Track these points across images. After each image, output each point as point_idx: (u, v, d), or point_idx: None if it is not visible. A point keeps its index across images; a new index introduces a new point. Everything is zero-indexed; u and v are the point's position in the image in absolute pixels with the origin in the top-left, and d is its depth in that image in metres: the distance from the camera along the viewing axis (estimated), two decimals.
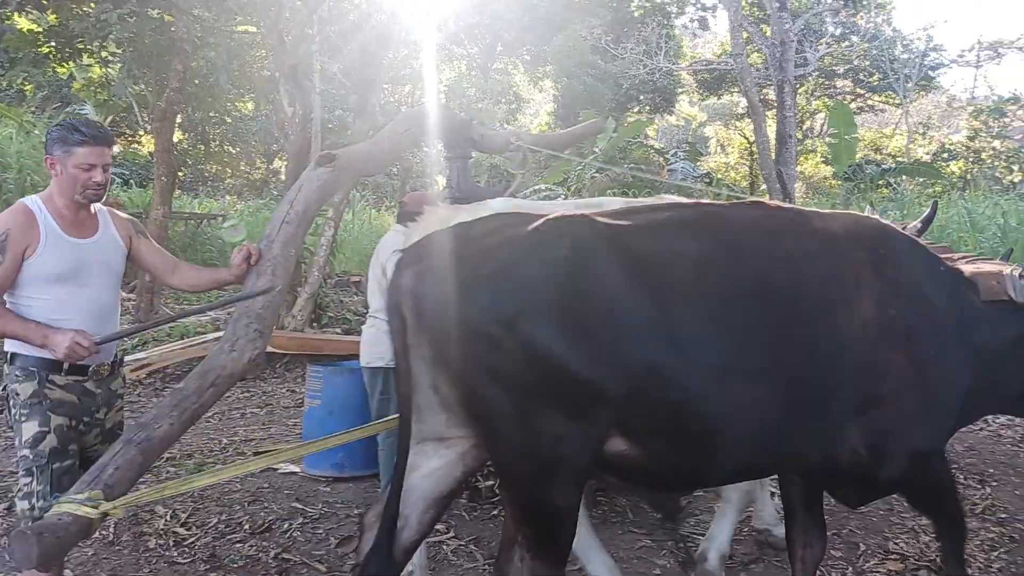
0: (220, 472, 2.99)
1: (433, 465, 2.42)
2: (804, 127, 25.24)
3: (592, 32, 20.63)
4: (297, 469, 5.18)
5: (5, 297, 2.78)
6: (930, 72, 24.25)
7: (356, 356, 4.91)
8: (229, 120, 17.18)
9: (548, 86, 25.39)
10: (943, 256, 2.78)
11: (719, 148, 27.89)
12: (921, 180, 17.46)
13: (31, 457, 2.70)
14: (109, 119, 16.17)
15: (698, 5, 26.12)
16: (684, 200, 2.74)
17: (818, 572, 3.38)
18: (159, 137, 10.53)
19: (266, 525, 4.25)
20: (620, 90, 22.39)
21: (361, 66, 10.14)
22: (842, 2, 18.61)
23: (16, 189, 11.59)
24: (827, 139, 19.78)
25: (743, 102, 21.47)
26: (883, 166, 17.71)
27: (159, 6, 8.84)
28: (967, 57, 25.09)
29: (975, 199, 12.94)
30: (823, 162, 21.77)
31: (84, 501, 2.32)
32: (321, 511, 4.50)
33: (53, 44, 9.68)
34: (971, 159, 22.09)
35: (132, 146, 21.22)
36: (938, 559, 3.60)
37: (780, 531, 3.80)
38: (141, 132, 19.35)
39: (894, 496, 4.40)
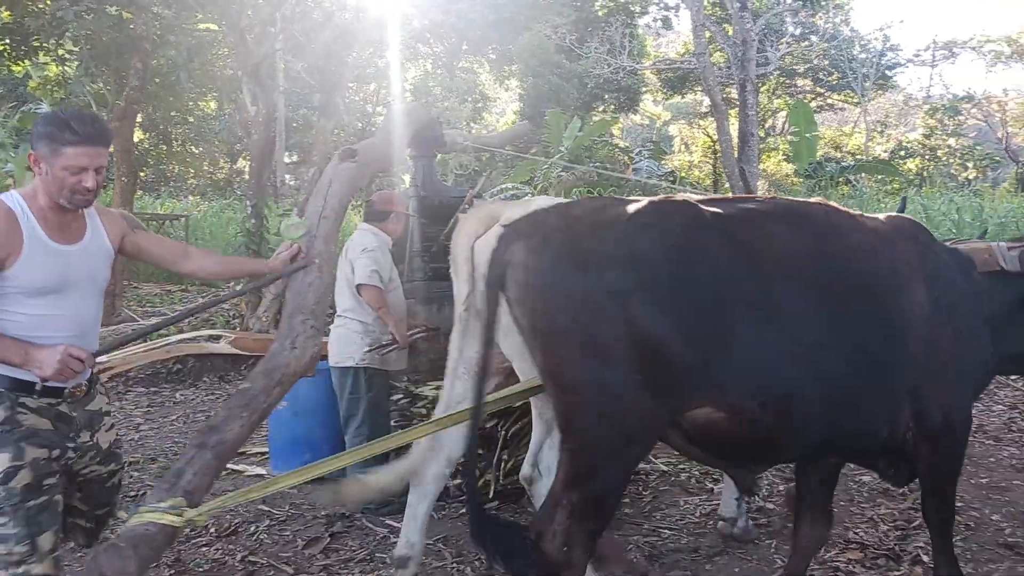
0: (305, 471, 2.76)
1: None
2: (766, 125, 25.61)
3: (557, 31, 20.72)
4: (264, 471, 5.14)
5: None
6: (887, 71, 24.73)
7: (323, 356, 4.89)
8: (191, 119, 16.96)
9: (514, 85, 25.43)
10: None
11: (683, 147, 28.17)
12: (879, 177, 17.82)
13: (2, 495, 2.35)
14: None
15: (661, 5, 26.33)
16: (759, 195, 2.85)
17: (782, 562, 3.46)
18: (119, 137, 10.34)
19: (232, 528, 4.22)
20: (585, 89, 22.49)
21: (325, 65, 10.09)
22: (801, 2, 18.89)
23: None
24: (788, 137, 20.11)
25: (706, 101, 21.71)
26: (843, 163, 18.02)
27: (117, 3, 8.70)
28: (923, 57, 25.68)
29: (931, 195, 13.25)
30: (785, 160, 22.11)
31: (168, 509, 2.21)
32: (288, 513, 4.48)
33: (7, 42, 9.49)
34: (927, 156, 22.60)
35: None
36: (896, 547, 3.70)
37: (743, 523, 3.88)
38: None
39: (853, 486, 4.50)
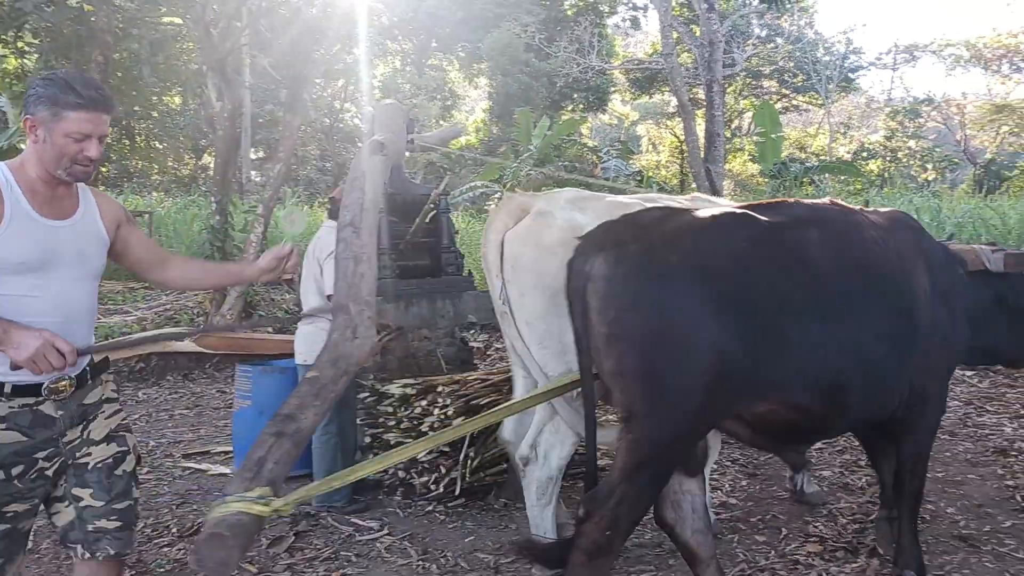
0: (387, 458, 2.86)
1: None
2: (732, 126, 25.92)
3: (526, 30, 20.77)
4: (228, 470, 5.09)
5: None
6: (850, 74, 25.17)
7: (287, 355, 4.86)
8: (155, 114, 16.70)
9: (483, 83, 25.44)
10: None
11: (651, 146, 28.39)
12: (843, 178, 18.10)
13: None
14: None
15: (630, 5, 26.57)
16: (789, 199, 3.05)
17: (744, 555, 3.52)
18: None
19: (194, 528, 4.17)
20: (554, 88, 22.58)
21: (292, 60, 9.99)
22: (767, 5, 19.14)
23: None
24: (754, 138, 20.35)
25: (674, 101, 21.89)
26: (807, 164, 18.27)
27: None
28: (884, 60, 26.18)
29: (892, 196, 13.51)
30: (750, 160, 22.38)
31: (256, 499, 2.14)
32: None
33: None
34: (888, 158, 23.04)
35: None
36: (854, 540, 3.78)
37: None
38: None
39: (814, 481, 4.58)
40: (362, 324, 2.59)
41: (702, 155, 15.74)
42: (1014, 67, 22.96)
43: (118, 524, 2.34)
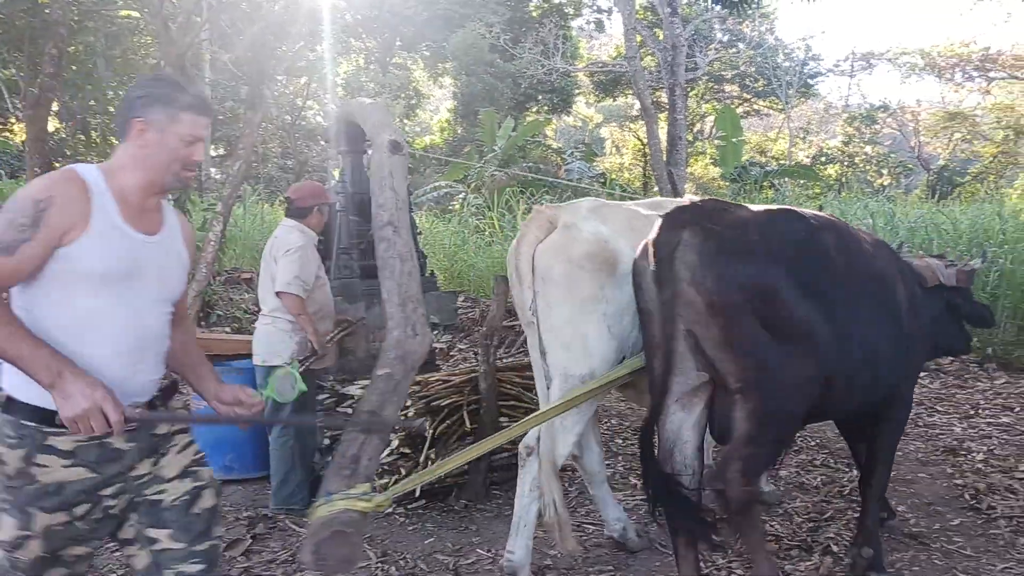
0: (483, 444, 3.01)
1: (694, 418, 2.96)
2: (694, 130, 26.21)
3: (491, 30, 20.76)
4: None
5: (16, 301, 1.91)
6: (809, 80, 25.61)
7: (246, 355, 4.79)
8: (111, 109, 16.33)
9: (448, 83, 25.37)
10: None
11: (614, 149, 28.57)
12: (802, 182, 18.44)
13: (6, 564, 1.90)
14: None
15: (594, 7, 26.69)
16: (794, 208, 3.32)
17: (698, 556, 3.55)
18: (32, 125, 9.89)
19: None
20: (519, 89, 22.60)
21: (254, 57, 9.86)
22: (728, 10, 19.40)
23: None
24: (716, 141, 20.64)
25: (637, 104, 22.07)
26: (767, 168, 18.60)
27: None
28: (842, 67, 26.66)
29: (848, 200, 13.76)
30: (712, 163, 22.65)
31: (360, 496, 2.17)
32: None
33: None
34: (846, 163, 23.50)
35: (3, 134, 19.87)
36: (808, 539, 3.85)
37: None
38: (13, 120, 18.14)
39: (771, 481, 4.65)
40: (419, 321, 2.68)
41: (664, 158, 15.87)
42: (966, 76, 23.55)
43: (201, 568, 2.10)
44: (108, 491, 1.98)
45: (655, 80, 19.98)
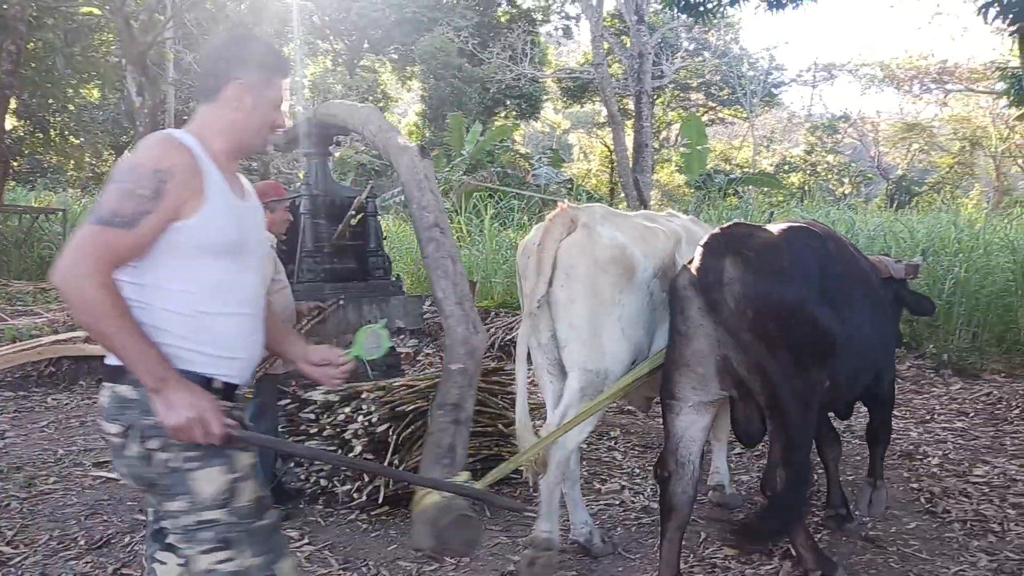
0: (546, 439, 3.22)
1: (704, 422, 3.19)
2: (660, 137, 26.47)
3: (459, 35, 20.77)
4: None
5: (124, 277, 1.79)
6: (773, 89, 26.04)
7: None
8: (71, 107, 16.03)
9: (416, 86, 25.31)
10: None
11: (582, 155, 28.74)
12: (765, 190, 18.72)
13: (224, 521, 1.84)
14: None
15: (562, 14, 26.85)
16: (797, 220, 3.66)
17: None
18: None
19: (104, 539, 4.00)
20: (487, 94, 22.64)
21: None
22: (694, 19, 19.66)
23: None
24: (681, 149, 20.85)
25: (604, 111, 22.25)
26: (731, 176, 18.83)
27: None
28: (805, 77, 27.19)
29: (811, 208, 13.98)
30: (677, 171, 22.90)
31: (464, 483, 2.23)
32: None
33: None
34: (808, 171, 23.92)
35: None
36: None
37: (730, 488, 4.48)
38: None
39: (733, 486, 4.70)
40: (476, 318, 2.82)
41: (631, 164, 16.01)
42: (924, 88, 24.12)
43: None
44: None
45: (622, 87, 20.13)
